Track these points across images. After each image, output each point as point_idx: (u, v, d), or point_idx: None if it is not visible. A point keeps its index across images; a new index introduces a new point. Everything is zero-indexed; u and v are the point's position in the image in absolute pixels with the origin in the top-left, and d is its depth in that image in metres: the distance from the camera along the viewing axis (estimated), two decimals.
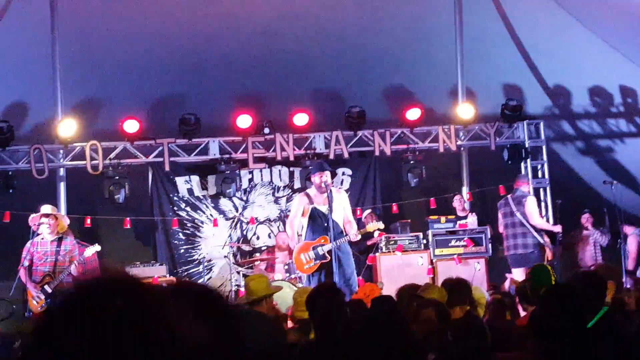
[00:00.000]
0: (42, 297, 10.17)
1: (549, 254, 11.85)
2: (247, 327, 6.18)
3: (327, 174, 10.53)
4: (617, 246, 12.96)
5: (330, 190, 10.49)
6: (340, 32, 13.10)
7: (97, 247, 10.45)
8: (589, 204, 13.75)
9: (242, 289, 9.47)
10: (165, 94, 13.57)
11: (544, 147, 13.90)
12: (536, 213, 12.16)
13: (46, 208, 10.56)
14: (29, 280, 10.26)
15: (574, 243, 13.45)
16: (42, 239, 10.40)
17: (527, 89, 13.94)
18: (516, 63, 13.46)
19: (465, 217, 13.09)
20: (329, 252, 10.33)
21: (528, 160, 13.74)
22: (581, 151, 14.64)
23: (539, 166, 13.92)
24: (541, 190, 13.82)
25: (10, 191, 13.00)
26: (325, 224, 10.42)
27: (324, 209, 10.52)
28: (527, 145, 13.75)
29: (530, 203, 12.14)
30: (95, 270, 11.44)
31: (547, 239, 11.95)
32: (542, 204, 13.60)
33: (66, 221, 10.62)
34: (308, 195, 10.78)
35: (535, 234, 11.87)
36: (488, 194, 13.36)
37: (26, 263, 10.31)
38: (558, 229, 12.22)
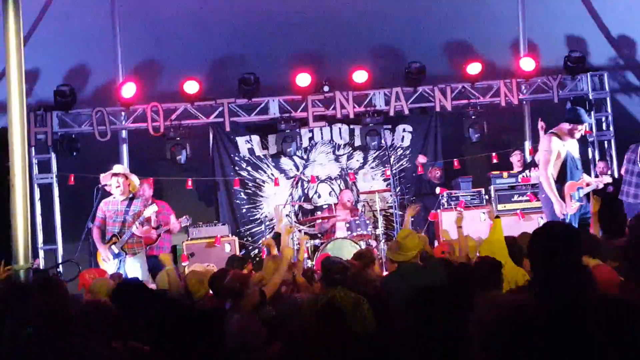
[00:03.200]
0: (111, 257, 10.29)
1: None
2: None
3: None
4: None
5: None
6: None
7: (155, 207, 10.50)
8: None
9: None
10: (224, 54, 13.54)
11: (608, 99, 13.66)
12: None
13: (117, 167, 10.66)
14: (99, 240, 10.38)
15: None
16: (114, 198, 10.47)
17: (590, 39, 13.62)
18: (579, 13, 13.12)
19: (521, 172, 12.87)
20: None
21: (592, 113, 13.49)
22: None
23: (603, 118, 13.69)
24: (606, 142, 13.61)
25: (74, 154, 13.21)
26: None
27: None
28: (591, 98, 13.50)
29: None
30: (160, 226, 11.55)
31: None
32: (608, 157, 13.39)
33: (137, 181, 10.69)
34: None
35: None
36: None
37: (95, 223, 10.42)
38: None
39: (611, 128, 13.54)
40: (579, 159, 9.74)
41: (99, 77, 13.48)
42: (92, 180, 11.00)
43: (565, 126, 9.56)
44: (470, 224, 11.85)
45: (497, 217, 7.50)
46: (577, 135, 9.67)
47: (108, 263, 10.23)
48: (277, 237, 11.59)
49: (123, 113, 13.39)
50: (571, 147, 9.66)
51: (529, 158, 13.50)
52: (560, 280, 3.95)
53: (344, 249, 11.57)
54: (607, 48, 13.69)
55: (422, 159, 13.47)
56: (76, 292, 8.78)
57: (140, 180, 11.04)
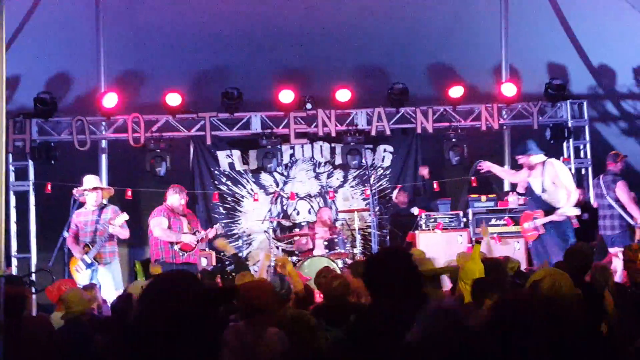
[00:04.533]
0: (83, 266, 10.25)
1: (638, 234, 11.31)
2: None
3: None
4: None
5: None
6: (385, 8, 12.99)
7: (125, 216, 10.48)
8: (630, 185, 13.55)
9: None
10: (208, 68, 13.53)
11: (586, 127, 13.81)
12: (623, 196, 11.23)
13: (90, 180, 10.61)
14: (74, 245, 10.37)
15: None
16: (85, 208, 10.49)
17: (571, 68, 13.79)
18: (561, 41, 13.29)
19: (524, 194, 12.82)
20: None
21: (571, 140, 13.65)
22: (624, 132, 14.45)
23: (582, 146, 13.83)
24: (583, 170, 13.74)
25: (52, 162, 13.11)
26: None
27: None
28: (570, 125, 13.65)
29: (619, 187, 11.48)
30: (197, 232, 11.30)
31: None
32: (585, 185, 13.51)
33: (110, 192, 10.73)
34: None
35: (625, 215, 11.28)
36: None
37: (69, 232, 10.38)
38: None
39: (589, 156, 13.68)
40: (539, 191, 10.49)
41: (80, 86, 13.41)
42: (69, 189, 10.90)
43: None
44: (447, 247, 11.93)
45: (477, 242, 7.44)
46: (523, 164, 10.71)
47: (82, 273, 10.19)
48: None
49: (103, 123, 13.30)
50: (533, 179, 10.57)
51: (507, 183, 13.61)
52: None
53: (321, 267, 11.50)
54: (588, 77, 13.86)
55: (423, 170, 13.56)
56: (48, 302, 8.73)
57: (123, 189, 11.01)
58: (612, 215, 11.12)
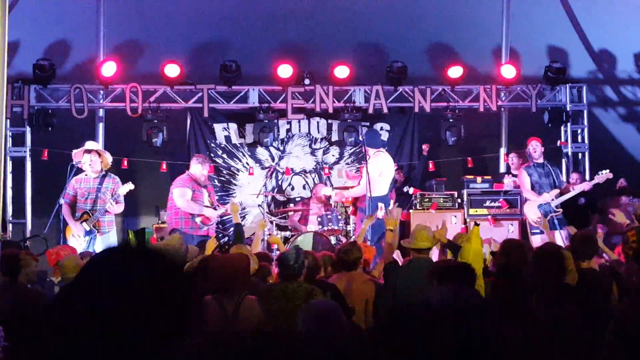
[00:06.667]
0: (81, 233, 10.26)
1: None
2: None
3: None
4: None
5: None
6: None
7: (130, 186, 10.48)
8: (627, 170, 13.59)
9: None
10: (207, 40, 13.50)
11: (585, 112, 13.80)
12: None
13: (90, 144, 10.62)
14: (70, 217, 10.34)
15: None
16: (86, 175, 10.43)
17: (572, 51, 13.75)
18: (562, 25, 13.25)
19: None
20: None
21: (569, 124, 13.64)
22: (623, 117, 14.45)
23: (579, 130, 13.82)
24: (580, 154, 13.74)
25: (50, 129, 13.12)
26: None
27: None
28: (568, 109, 13.63)
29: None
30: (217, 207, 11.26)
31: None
32: (582, 169, 13.52)
33: (109, 158, 10.67)
34: None
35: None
36: (526, 156, 13.20)
37: (65, 200, 10.37)
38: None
39: (586, 140, 13.67)
40: None
41: (79, 54, 13.39)
42: (66, 157, 10.94)
43: None
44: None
45: (477, 224, 7.46)
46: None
47: (78, 240, 10.20)
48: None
49: (102, 91, 13.30)
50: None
51: (503, 165, 13.63)
52: None
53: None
54: (588, 61, 13.82)
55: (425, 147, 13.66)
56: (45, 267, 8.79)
57: (119, 158, 11.02)
58: None
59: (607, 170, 11.36)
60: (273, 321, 5.66)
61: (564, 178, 12.44)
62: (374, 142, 11.48)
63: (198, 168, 10.68)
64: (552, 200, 11.43)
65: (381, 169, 11.05)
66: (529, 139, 11.96)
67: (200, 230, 10.51)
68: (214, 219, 10.62)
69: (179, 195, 10.47)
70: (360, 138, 13.28)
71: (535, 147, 11.77)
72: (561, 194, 11.50)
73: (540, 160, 11.78)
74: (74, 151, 10.49)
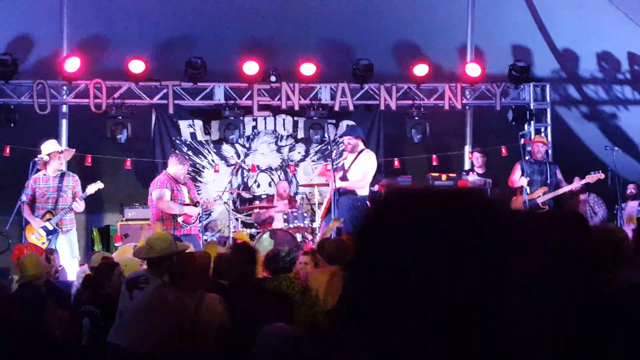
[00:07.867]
0: (43, 233, 10.17)
1: None
2: None
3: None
4: (614, 212, 13.03)
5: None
6: None
7: (99, 185, 10.42)
8: (589, 168, 13.75)
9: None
10: (173, 36, 13.39)
11: (548, 110, 13.94)
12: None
13: (51, 145, 10.50)
14: (31, 216, 10.24)
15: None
16: (45, 174, 10.35)
17: (536, 51, 13.87)
18: (526, 24, 13.37)
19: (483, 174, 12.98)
20: None
21: (532, 122, 13.77)
22: (585, 116, 14.64)
23: (543, 129, 13.94)
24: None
25: (12, 125, 12.92)
26: None
27: None
28: (532, 107, 13.76)
29: None
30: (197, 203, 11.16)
31: None
32: None
33: (71, 153, 10.64)
34: None
35: None
36: (491, 154, 13.34)
37: (25, 198, 10.27)
38: None
39: (549, 139, 13.80)
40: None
41: (42, 49, 13.19)
42: (28, 153, 10.82)
43: None
44: None
45: None
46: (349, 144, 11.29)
47: (40, 239, 10.12)
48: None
49: (65, 87, 13.14)
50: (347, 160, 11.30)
51: (468, 162, 13.73)
52: None
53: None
54: (551, 60, 13.97)
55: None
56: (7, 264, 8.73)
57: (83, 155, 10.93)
58: None
59: (599, 171, 11.71)
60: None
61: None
62: (358, 132, 11.47)
63: (179, 168, 10.57)
64: (539, 197, 11.99)
65: (370, 169, 11.05)
66: (535, 137, 12.75)
67: (182, 229, 10.47)
68: (195, 216, 10.56)
69: (158, 196, 10.40)
70: (326, 136, 13.32)
71: (539, 148, 12.43)
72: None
73: (539, 158, 12.33)
74: (48, 150, 10.39)
